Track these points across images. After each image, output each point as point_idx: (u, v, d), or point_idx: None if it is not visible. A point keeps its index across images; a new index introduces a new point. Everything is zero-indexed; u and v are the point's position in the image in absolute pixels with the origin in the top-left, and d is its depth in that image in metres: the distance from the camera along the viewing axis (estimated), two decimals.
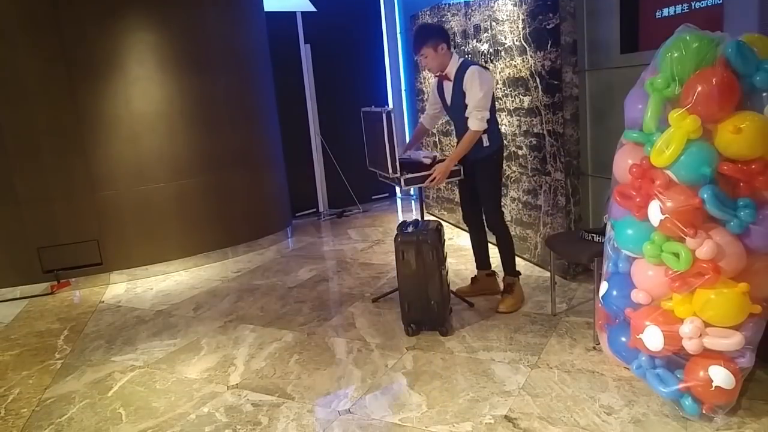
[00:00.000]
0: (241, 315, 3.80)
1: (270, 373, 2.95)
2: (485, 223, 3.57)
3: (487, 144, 3.32)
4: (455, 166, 3.44)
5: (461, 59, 3.31)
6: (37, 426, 2.63)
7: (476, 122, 3.20)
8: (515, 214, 4.37)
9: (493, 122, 3.32)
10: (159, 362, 3.19)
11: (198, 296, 4.25)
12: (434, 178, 3.30)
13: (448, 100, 3.39)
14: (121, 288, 4.59)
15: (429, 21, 3.35)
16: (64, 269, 4.61)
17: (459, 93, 3.26)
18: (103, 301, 4.31)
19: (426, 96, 5.73)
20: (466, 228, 3.77)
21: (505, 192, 4.48)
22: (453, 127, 3.65)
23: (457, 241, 5.09)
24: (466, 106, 3.23)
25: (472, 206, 3.57)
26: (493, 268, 3.73)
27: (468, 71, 3.19)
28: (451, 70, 3.28)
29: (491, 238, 3.62)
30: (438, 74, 3.36)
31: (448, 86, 3.34)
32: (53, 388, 2.98)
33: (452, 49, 3.34)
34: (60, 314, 4.10)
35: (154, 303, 4.18)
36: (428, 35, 3.25)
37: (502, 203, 3.49)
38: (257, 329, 3.54)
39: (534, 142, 3.96)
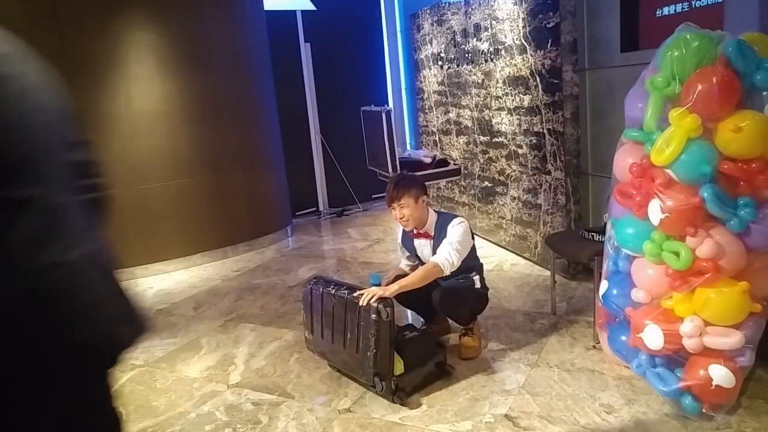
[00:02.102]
0: (241, 314, 3.80)
1: (270, 372, 2.95)
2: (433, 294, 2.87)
3: (479, 287, 2.99)
4: (454, 165, 3.39)
5: (437, 214, 2.96)
6: None
7: (445, 258, 2.71)
8: (515, 213, 4.37)
9: (481, 271, 3.02)
10: (159, 361, 3.19)
11: (198, 295, 4.25)
12: (368, 295, 2.51)
13: (428, 258, 2.91)
14: None
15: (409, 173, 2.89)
16: None
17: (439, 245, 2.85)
18: None
19: (426, 95, 5.73)
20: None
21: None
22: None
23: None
24: None
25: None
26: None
27: (453, 224, 2.83)
28: (430, 227, 2.93)
29: None
30: (413, 231, 2.96)
31: (425, 244, 2.96)
32: None
33: (430, 206, 2.98)
34: None
35: (154, 302, 4.18)
36: (411, 184, 2.86)
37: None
38: (257, 328, 3.54)
39: (534, 141, 3.96)
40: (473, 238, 2.96)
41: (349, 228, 5.92)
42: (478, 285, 2.99)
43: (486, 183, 4.78)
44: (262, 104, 5.46)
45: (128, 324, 1.12)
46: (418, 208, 2.88)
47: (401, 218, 2.91)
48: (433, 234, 2.93)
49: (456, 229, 2.82)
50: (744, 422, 2.18)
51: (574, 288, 3.68)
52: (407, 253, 3.13)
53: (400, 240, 3.14)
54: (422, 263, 2.99)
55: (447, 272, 2.74)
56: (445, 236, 2.83)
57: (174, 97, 4.78)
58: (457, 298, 2.89)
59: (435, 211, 2.99)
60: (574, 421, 2.29)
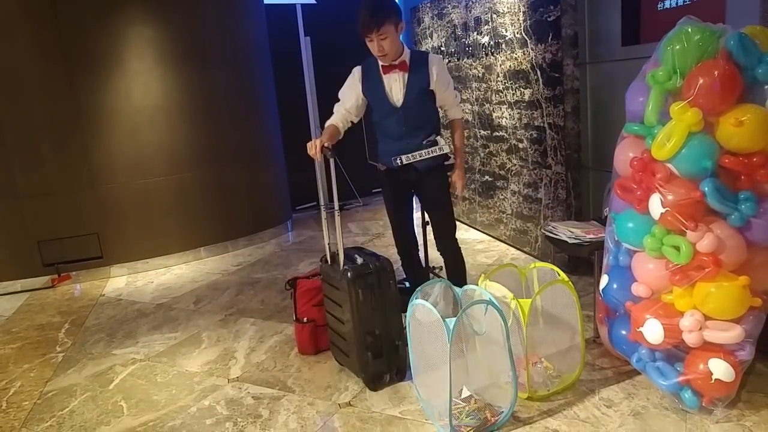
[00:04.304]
0: (241, 308, 3.80)
1: (270, 366, 2.96)
2: (437, 246, 3.09)
3: (445, 148, 2.86)
4: (454, 159, 3.37)
5: (403, 45, 2.80)
6: (38, 419, 2.64)
7: (461, 111, 2.99)
8: (516, 207, 4.37)
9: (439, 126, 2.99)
10: (160, 355, 3.20)
11: (198, 290, 4.26)
12: (461, 189, 2.95)
13: (398, 96, 2.77)
14: (122, 281, 4.60)
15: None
16: (64, 263, 4.62)
17: (417, 85, 2.74)
18: (103, 295, 4.31)
19: None
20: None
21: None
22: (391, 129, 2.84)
23: (457, 234, 5.08)
24: (429, 99, 2.80)
25: (411, 227, 3.15)
26: None
27: (433, 59, 2.74)
28: (406, 58, 2.73)
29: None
30: (390, 63, 2.76)
31: (398, 78, 2.76)
32: (54, 381, 2.99)
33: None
34: (61, 307, 4.11)
35: (154, 296, 4.18)
36: (390, 8, 2.59)
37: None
38: (258, 322, 3.54)
39: (535, 135, 3.95)
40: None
41: (350, 222, 5.91)
42: (443, 146, 2.88)
43: (486, 177, 4.78)
44: (261, 98, 5.45)
45: None
46: (397, 39, 2.66)
47: (380, 52, 2.67)
48: (409, 66, 2.74)
49: (443, 69, 2.77)
50: (744, 416, 2.19)
51: (574, 282, 3.66)
52: (353, 102, 2.87)
53: (360, 85, 2.84)
54: (388, 102, 2.80)
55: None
56: (431, 79, 2.72)
57: (174, 92, 4.77)
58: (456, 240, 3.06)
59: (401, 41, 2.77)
60: (573, 415, 2.30)
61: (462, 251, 3.16)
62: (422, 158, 2.84)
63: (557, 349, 2.56)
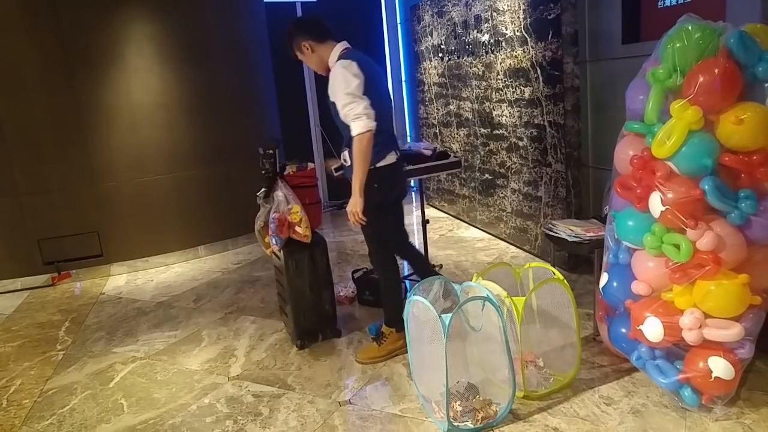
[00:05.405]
0: (241, 306, 3.80)
1: (271, 364, 2.96)
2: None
3: (346, 164, 2.76)
4: (454, 157, 3.32)
5: (342, 50, 2.74)
6: (39, 417, 2.64)
7: (355, 124, 2.54)
8: (516, 205, 4.37)
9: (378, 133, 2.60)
10: (160, 353, 3.20)
11: (199, 288, 4.26)
12: (352, 220, 2.78)
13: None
14: (122, 279, 4.60)
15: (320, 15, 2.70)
16: (64, 261, 4.62)
17: (328, 97, 2.74)
18: (103, 293, 4.31)
19: (426, 87, 5.71)
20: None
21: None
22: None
23: (457, 232, 5.09)
24: (336, 109, 2.67)
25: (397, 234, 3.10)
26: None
27: (334, 69, 2.65)
28: (331, 64, 2.73)
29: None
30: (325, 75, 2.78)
31: None
32: (55, 379, 2.99)
33: (330, 40, 2.77)
34: (61, 306, 4.11)
35: (154, 294, 4.19)
36: (287, 38, 2.76)
37: (383, 237, 2.93)
38: (258, 320, 3.54)
39: (535, 133, 3.95)
40: (363, 70, 2.64)
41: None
42: (346, 163, 2.74)
43: (486, 175, 4.77)
44: (261, 96, 5.44)
45: None
46: (310, 56, 2.76)
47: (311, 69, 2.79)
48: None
49: (334, 83, 2.61)
50: (743, 414, 2.19)
51: (574, 280, 3.69)
52: None
53: None
54: None
55: (368, 128, 2.52)
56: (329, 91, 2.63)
57: (173, 90, 4.76)
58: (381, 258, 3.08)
59: (341, 48, 2.78)
60: (573, 413, 2.30)
61: (384, 281, 2.99)
62: (340, 171, 3.04)
63: (554, 348, 2.56)
